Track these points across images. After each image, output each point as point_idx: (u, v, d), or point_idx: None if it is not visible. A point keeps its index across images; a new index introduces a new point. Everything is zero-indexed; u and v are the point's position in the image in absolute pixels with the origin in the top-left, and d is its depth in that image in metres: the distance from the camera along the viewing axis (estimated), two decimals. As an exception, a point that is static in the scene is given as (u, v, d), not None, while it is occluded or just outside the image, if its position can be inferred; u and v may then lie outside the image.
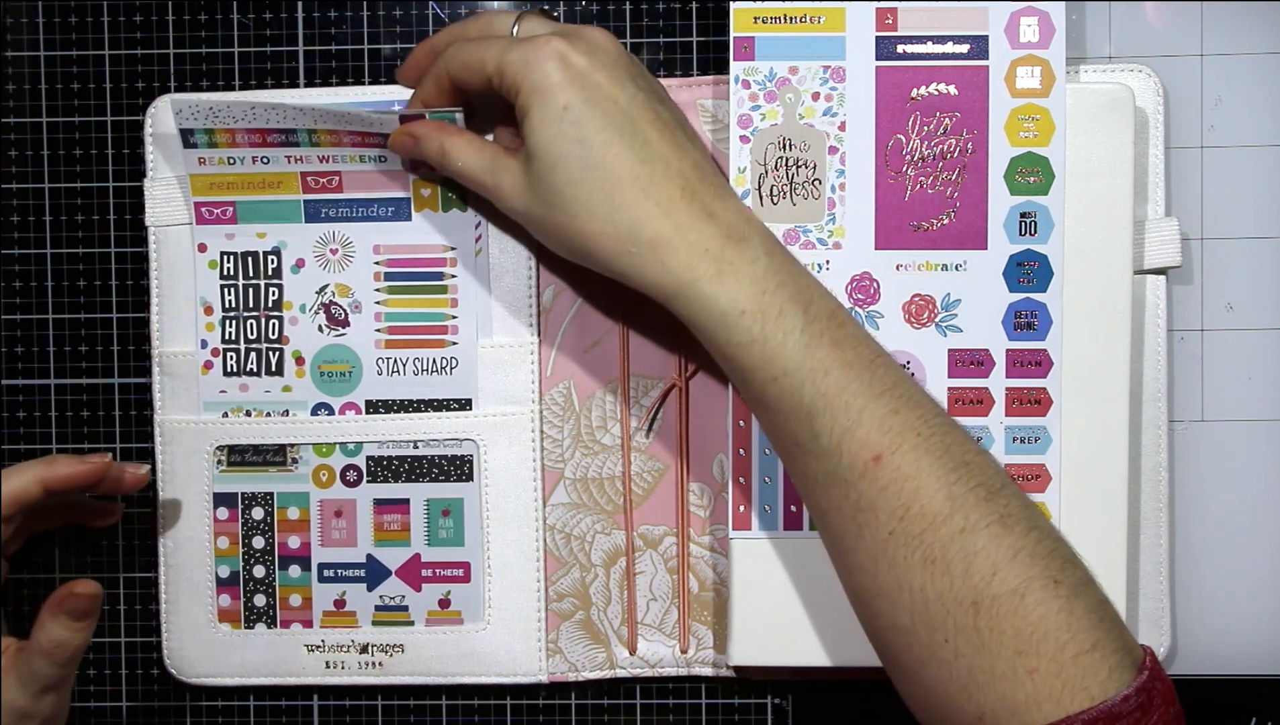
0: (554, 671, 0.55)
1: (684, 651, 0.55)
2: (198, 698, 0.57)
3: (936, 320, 0.51)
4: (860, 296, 0.51)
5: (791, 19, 0.51)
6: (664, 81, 0.54)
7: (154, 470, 0.55)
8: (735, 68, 0.51)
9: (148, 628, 0.57)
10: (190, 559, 0.55)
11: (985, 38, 0.50)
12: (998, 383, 0.51)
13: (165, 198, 0.55)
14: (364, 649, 0.55)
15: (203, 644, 0.55)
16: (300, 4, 0.56)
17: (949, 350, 0.51)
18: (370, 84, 0.55)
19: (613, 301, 0.55)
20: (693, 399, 0.55)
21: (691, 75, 0.55)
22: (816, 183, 0.51)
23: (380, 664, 0.55)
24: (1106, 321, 0.51)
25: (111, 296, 0.56)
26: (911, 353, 0.51)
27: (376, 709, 0.57)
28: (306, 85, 0.56)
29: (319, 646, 0.55)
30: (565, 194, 0.46)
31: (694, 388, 0.55)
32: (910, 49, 0.51)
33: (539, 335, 0.54)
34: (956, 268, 0.51)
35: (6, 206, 0.56)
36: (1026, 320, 0.51)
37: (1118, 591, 0.51)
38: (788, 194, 0.51)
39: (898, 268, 0.51)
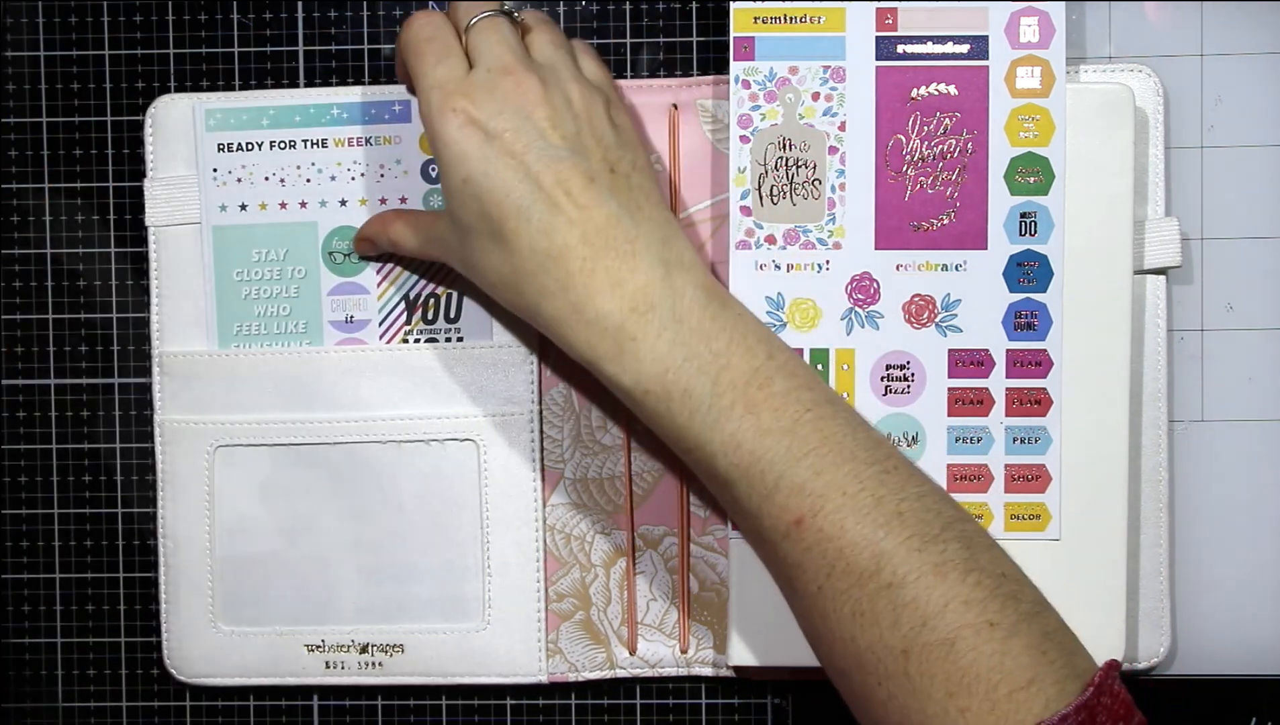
0: (554, 671, 0.55)
1: (684, 651, 0.55)
2: (198, 698, 0.57)
3: (936, 320, 0.51)
4: (860, 296, 0.51)
5: (791, 19, 0.51)
6: (664, 81, 0.54)
7: (154, 470, 0.55)
8: (735, 68, 0.51)
9: (148, 628, 0.57)
10: (190, 559, 0.55)
11: (985, 38, 0.50)
12: (998, 383, 0.51)
13: (165, 198, 0.55)
14: (364, 649, 0.55)
15: (203, 644, 0.55)
16: (300, 4, 0.56)
17: (949, 350, 0.51)
18: (370, 84, 0.55)
19: (613, 301, 0.55)
20: (693, 399, 0.54)
21: (691, 75, 0.55)
22: (816, 183, 0.51)
23: (380, 664, 0.55)
24: (1106, 321, 0.51)
25: (111, 296, 0.56)
26: (911, 353, 0.51)
27: (376, 709, 0.57)
28: (307, 85, 0.56)
29: (319, 646, 0.55)
30: (478, 264, 0.46)
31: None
32: (910, 49, 0.51)
33: (539, 335, 0.54)
34: (956, 268, 0.51)
35: (6, 206, 0.56)
36: (1026, 320, 0.51)
37: (1117, 591, 0.51)
38: (788, 194, 0.51)
39: (898, 268, 0.51)
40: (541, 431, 0.55)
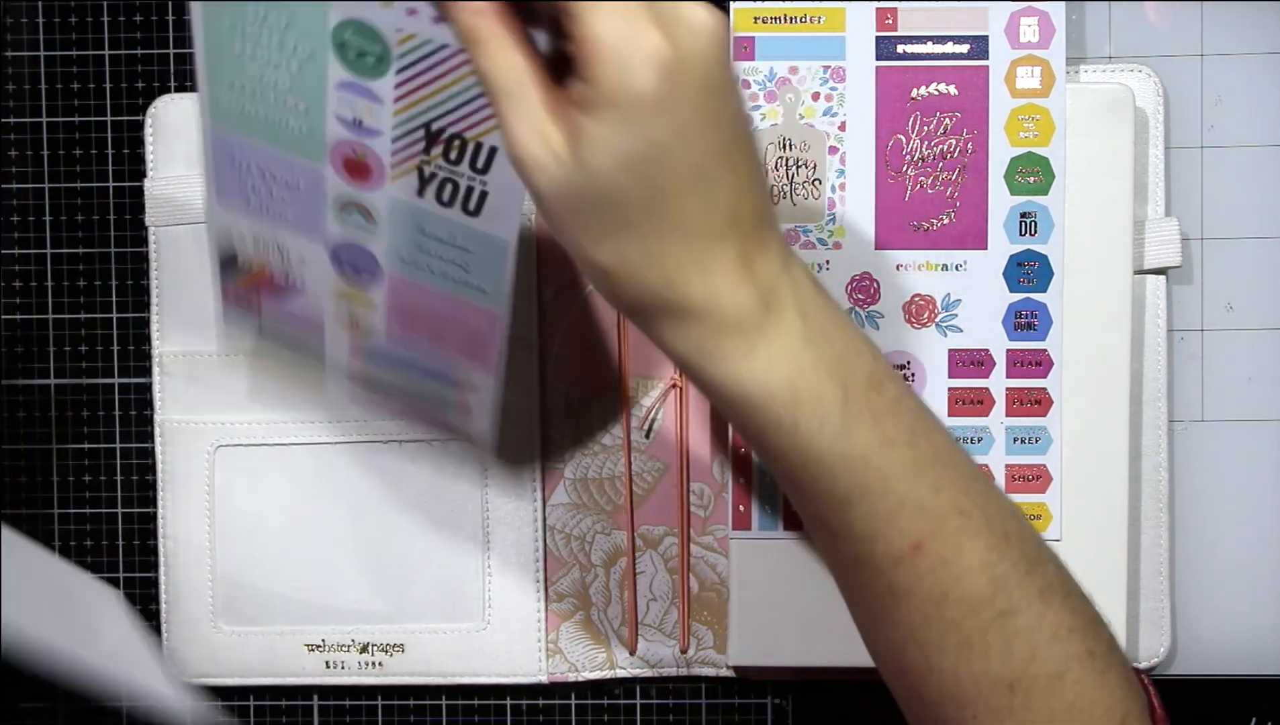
0: (554, 671, 0.55)
1: (684, 651, 0.55)
2: (198, 698, 0.57)
3: (937, 320, 0.51)
4: (860, 296, 0.51)
5: (791, 19, 0.51)
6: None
7: (154, 470, 0.55)
8: (735, 68, 0.51)
9: (148, 628, 0.57)
10: (190, 559, 0.55)
11: (985, 38, 0.50)
12: (998, 383, 0.51)
13: (165, 198, 0.55)
14: (364, 649, 0.55)
15: (203, 644, 0.55)
16: (300, 4, 0.56)
17: (949, 350, 0.51)
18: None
19: (613, 301, 0.55)
20: (693, 399, 0.54)
21: (691, 75, 0.55)
22: (816, 183, 0.51)
23: (380, 664, 0.55)
24: (1106, 321, 0.51)
25: (111, 296, 0.56)
26: (911, 353, 0.51)
27: (376, 709, 0.57)
28: (306, 85, 0.56)
29: (319, 646, 0.55)
30: (601, 224, 0.36)
31: (694, 387, 0.55)
32: (910, 49, 0.51)
33: (539, 335, 0.54)
34: (956, 268, 0.51)
35: (6, 206, 0.56)
36: (1026, 320, 0.51)
37: (1118, 591, 0.51)
38: (788, 194, 0.51)
39: (898, 268, 0.51)
40: (542, 431, 0.55)
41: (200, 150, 0.47)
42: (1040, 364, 0.51)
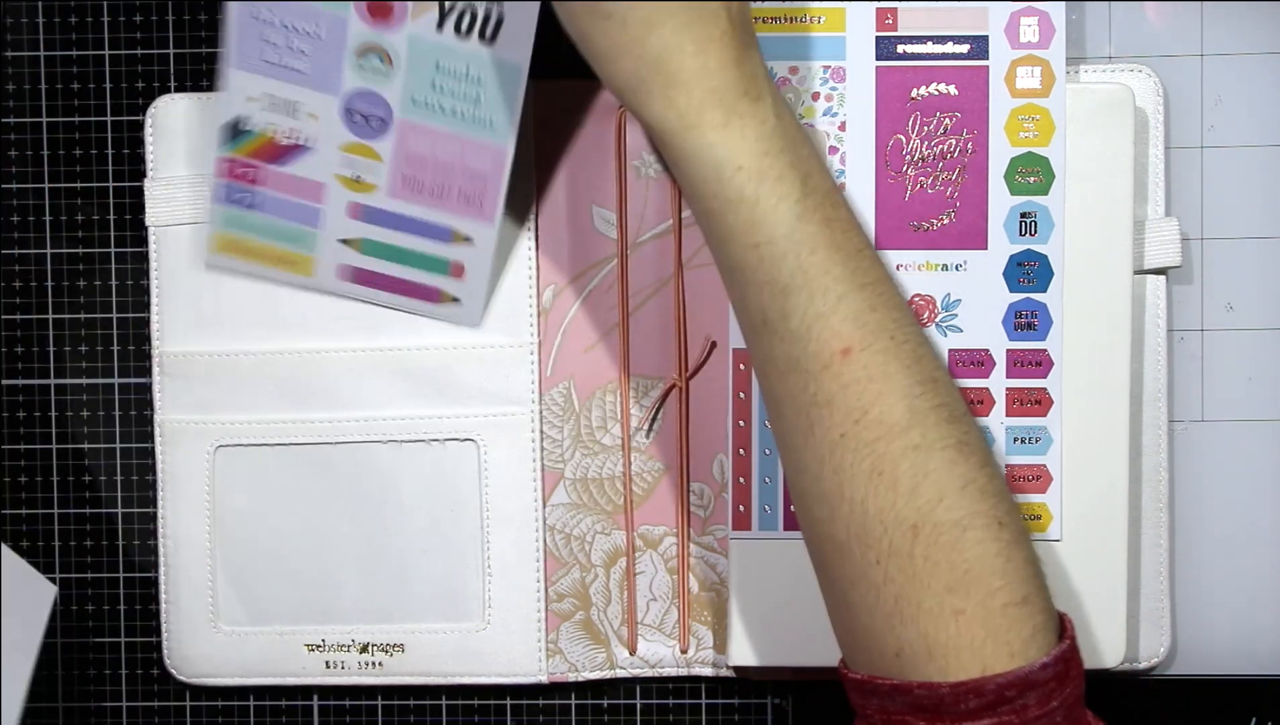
0: (554, 671, 0.55)
1: (684, 651, 0.55)
2: (198, 698, 0.57)
3: (937, 320, 0.51)
4: None
5: (791, 19, 0.51)
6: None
7: (154, 470, 0.55)
8: None
9: (148, 628, 0.57)
10: (190, 559, 0.55)
11: (985, 38, 0.50)
12: (998, 383, 0.51)
13: (165, 198, 0.55)
14: (364, 649, 0.55)
15: (203, 644, 0.55)
16: (300, 4, 0.56)
17: (949, 350, 0.51)
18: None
19: (613, 301, 0.55)
20: (693, 399, 0.55)
21: (691, 75, 0.55)
22: None
23: (380, 664, 0.55)
24: (1106, 321, 0.51)
25: (111, 296, 0.56)
26: None
27: (376, 709, 0.57)
28: (306, 85, 0.56)
29: (319, 646, 0.55)
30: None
31: (694, 388, 0.55)
32: (910, 49, 0.51)
33: (539, 335, 0.54)
34: (956, 268, 0.51)
35: (6, 206, 0.56)
36: (1027, 320, 0.51)
37: (1118, 591, 0.51)
38: None
39: (898, 267, 0.51)
40: (541, 431, 0.55)
41: (224, 18, 0.49)
42: (1040, 364, 0.51)
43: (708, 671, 0.55)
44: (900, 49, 0.51)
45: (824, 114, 0.51)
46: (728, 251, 0.42)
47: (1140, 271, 0.53)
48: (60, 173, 0.56)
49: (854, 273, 0.41)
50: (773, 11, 0.51)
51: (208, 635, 0.55)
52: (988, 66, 0.50)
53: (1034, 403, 0.51)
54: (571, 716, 0.56)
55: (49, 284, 0.56)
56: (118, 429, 0.56)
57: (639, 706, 0.56)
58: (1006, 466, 0.51)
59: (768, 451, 0.52)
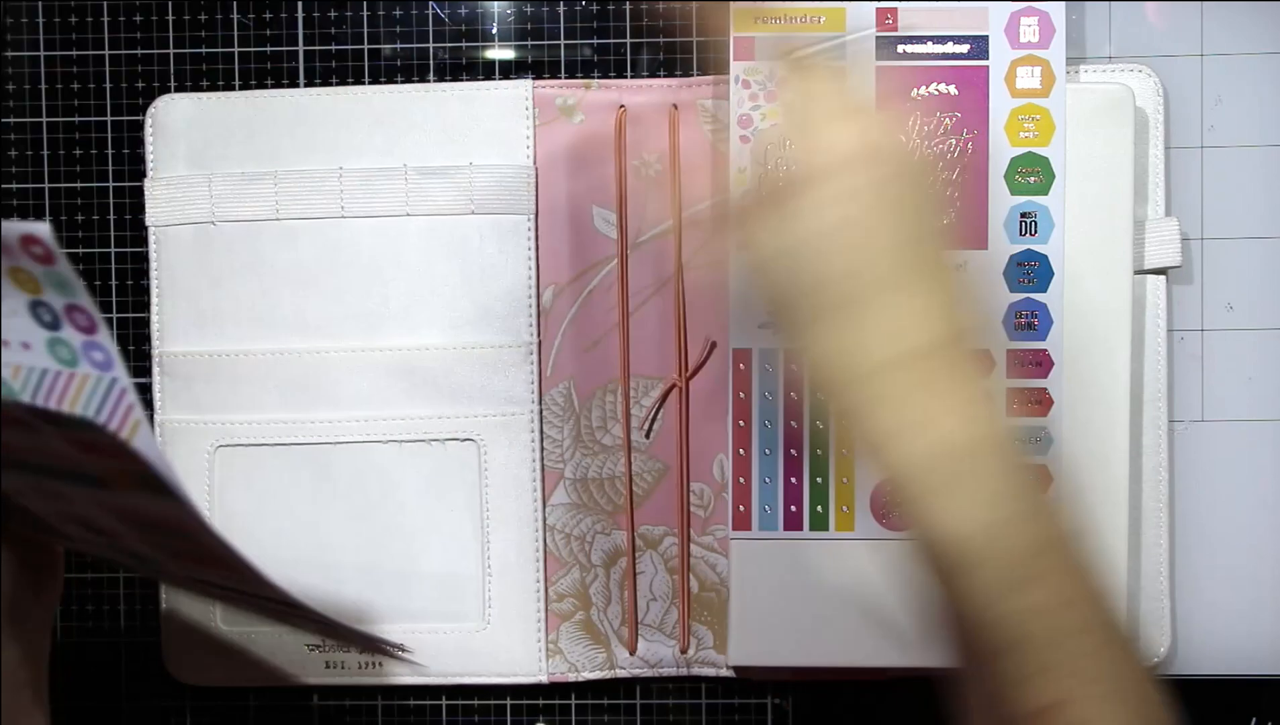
0: (554, 671, 0.55)
1: (684, 651, 0.55)
2: (198, 698, 0.57)
3: None
4: None
5: (792, 19, 0.51)
6: (664, 81, 0.54)
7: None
8: (735, 68, 0.51)
9: (148, 628, 0.57)
10: (190, 559, 0.55)
11: (985, 38, 0.50)
12: (998, 383, 0.51)
13: (165, 198, 0.55)
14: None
15: (203, 644, 0.55)
16: (300, 4, 0.56)
17: None
18: (370, 84, 0.55)
19: (613, 301, 0.55)
20: (693, 399, 0.55)
21: (691, 75, 0.55)
22: None
23: (380, 664, 0.55)
24: (1106, 322, 0.51)
25: (111, 296, 0.56)
26: None
27: (376, 709, 0.57)
28: (307, 85, 0.56)
29: (319, 646, 0.55)
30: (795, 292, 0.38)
31: (694, 388, 0.55)
32: (910, 49, 0.51)
33: (539, 335, 0.54)
34: (957, 267, 0.51)
35: (6, 206, 0.56)
36: (1027, 320, 0.51)
37: (1118, 591, 0.51)
38: None
39: None
40: (541, 431, 0.55)
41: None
42: (1040, 364, 0.51)
43: (708, 671, 0.55)
44: (900, 49, 0.51)
45: None
46: (951, 615, 0.39)
47: (1140, 271, 0.53)
48: (60, 173, 0.56)
49: (1070, 627, 0.37)
50: (773, 11, 0.51)
51: (208, 636, 0.55)
52: (988, 66, 0.50)
53: (1035, 403, 0.51)
54: (571, 716, 0.56)
55: (49, 284, 0.56)
56: (118, 429, 0.56)
57: (639, 706, 0.56)
58: None
59: (768, 451, 0.52)
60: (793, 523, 0.52)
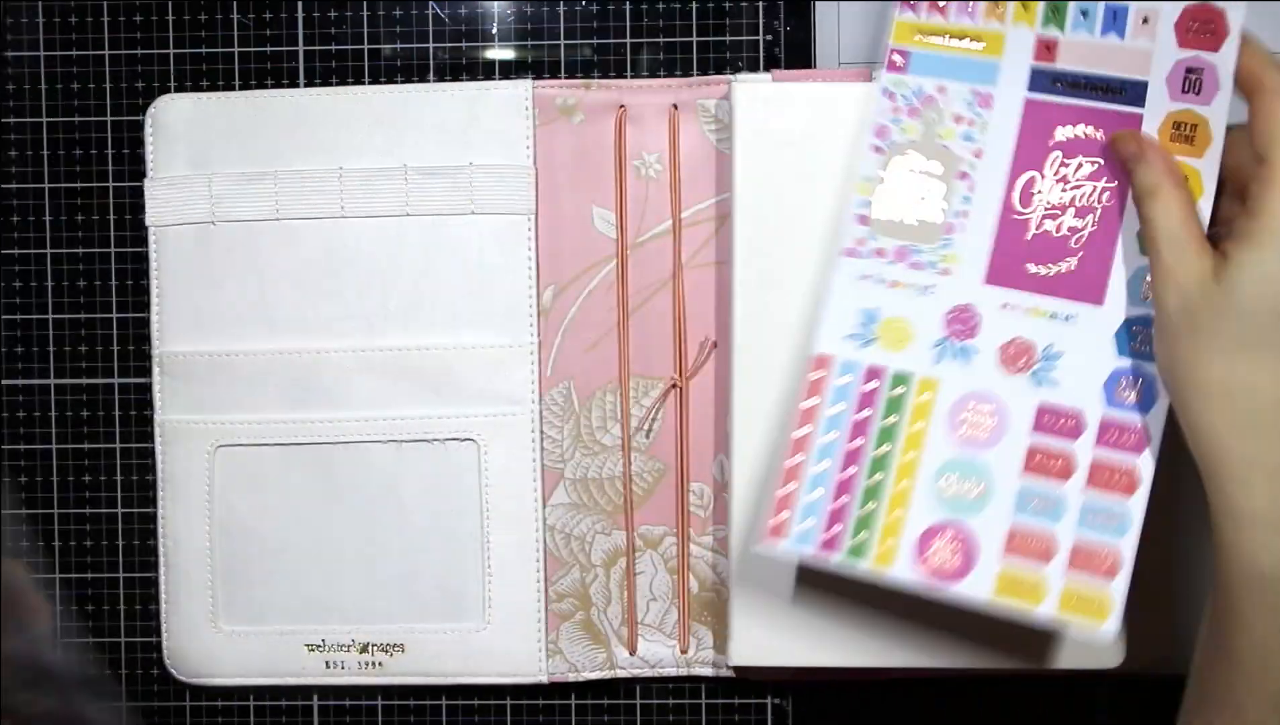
0: (554, 672, 0.55)
1: (684, 651, 0.55)
2: (198, 698, 0.57)
3: (1033, 369, 0.47)
4: (957, 327, 0.47)
5: (951, 37, 0.48)
6: (664, 81, 0.54)
7: (154, 470, 0.55)
8: (884, 79, 0.48)
9: (148, 628, 0.57)
10: (190, 559, 0.55)
11: (1144, 84, 0.46)
12: (1084, 450, 0.46)
13: (165, 198, 0.55)
14: (364, 649, 0.55)
15: (203, 644, 0.55)
16: (300, 4, 0.56)
17: (1039, 404, 0.46)
18: (370, 84, 0.55)
19: (613, 301, 0.55)
20: (693, 399, 0.55)
21: (691, 75, 0.55)
22: (939, 205, 0.48)
23: (380, 664, 0.55)
24: None
25: (111, 296, 0.56)
26: (998, 397, 0.46)
27: (376, 709, 0.57)
28: (307, 85, 0.56)
29: (319, 646, 0.55)
30: (1219, 340, 0.41)
31: (694, 388, 0.55)
32: (1064, 84, 0.47)
33: (539, 335, 0.54)
34: (1066, 318, 0.47)
35: (6, 206, 0.56)
36: (1130, 389, 0.46)
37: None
38: (907, 211, 0.48)
39: (1003, 306, 0.47)
40: (541, 431, 0.55)
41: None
42: (1136, 439, 0.46)
43: (708, 671, 0.55)
44: (1055, 83, 0.47)
45: (962, 138, 0.48)
46: (1239, 641, 0.41)
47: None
48: (60, 173, 0.56)
49: None
50: (936, 29, 0.48)
51: (208, 635, 0.55)
52: (1141, 115, 0.46)
53: (1121, 478, 0.46)
54: (571, 716, 0.56)
55: (49, 284, 0.56)
56: (118, 429, 0.56)
57: (639, 706, 0.56)
58: (1075, 542, 0.45)
59: (826, 463, 0.48)
60: (830, 544, 0.46)
